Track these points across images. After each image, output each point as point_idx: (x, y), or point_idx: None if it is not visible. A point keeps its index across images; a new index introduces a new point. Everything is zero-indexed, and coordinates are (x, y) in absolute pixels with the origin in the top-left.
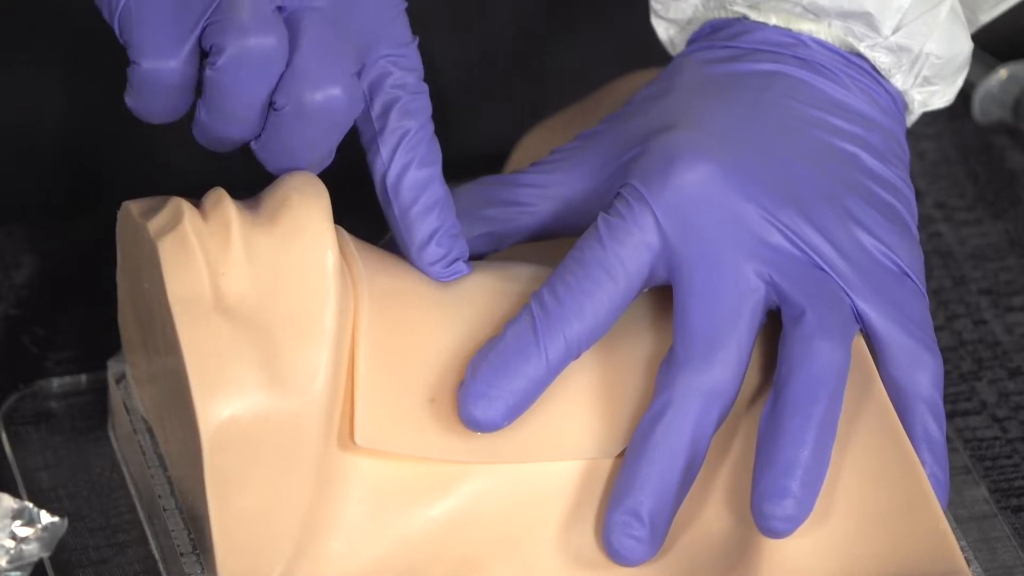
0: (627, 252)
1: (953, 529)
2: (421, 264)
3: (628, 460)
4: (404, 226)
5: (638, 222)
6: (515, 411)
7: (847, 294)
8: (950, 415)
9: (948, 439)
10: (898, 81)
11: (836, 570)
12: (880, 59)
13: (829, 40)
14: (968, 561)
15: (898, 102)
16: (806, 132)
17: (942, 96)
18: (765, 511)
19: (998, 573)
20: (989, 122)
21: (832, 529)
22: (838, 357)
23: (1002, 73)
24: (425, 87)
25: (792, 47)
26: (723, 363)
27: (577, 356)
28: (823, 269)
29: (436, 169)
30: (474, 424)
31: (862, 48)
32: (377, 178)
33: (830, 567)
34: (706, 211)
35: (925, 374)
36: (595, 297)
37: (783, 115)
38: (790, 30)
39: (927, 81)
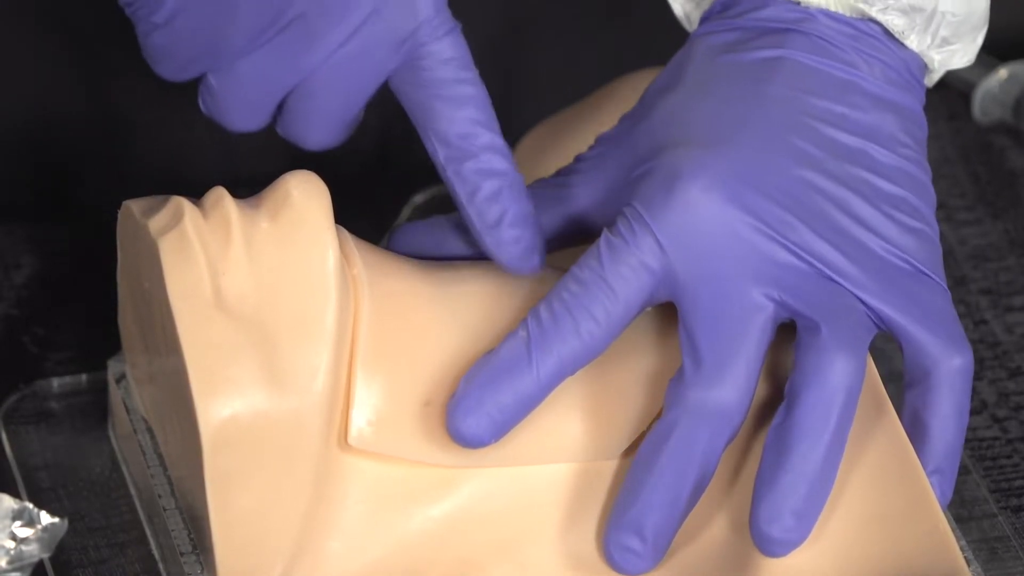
0: (626, 273)
1: (953, 529)
2: (494, 248)
3: (635, 473)
4: (473, 212)
5: (639, 244)
6: (503, 428)
7: (863, 301)
8: None
9: None
10: (913, 43)
11: (836, 571)
12: (893, 21)
13: (840, 10)
14: (968, 561)
15: (913, 68)
16: (811, 129)
17: (963, 55)
18: (764, 532)
19: (998, 573)
20: (989, 122)
21: (833, 530)
22: (852, 370)
23: (1002, 73)
24: (467, 73)
25: (800, 22)
26: (733, 382)
27: (571, 374)
28: (835, 280)
29: (493, 155)
30: (460, 438)
31: (874, 12)
32: (438, 167)
33: (831, 568)
34: (708, 233)
35: (951, 368)
36: (592, 317)
37: (787, 111)
38: (799, 3)
39: (945, 41)
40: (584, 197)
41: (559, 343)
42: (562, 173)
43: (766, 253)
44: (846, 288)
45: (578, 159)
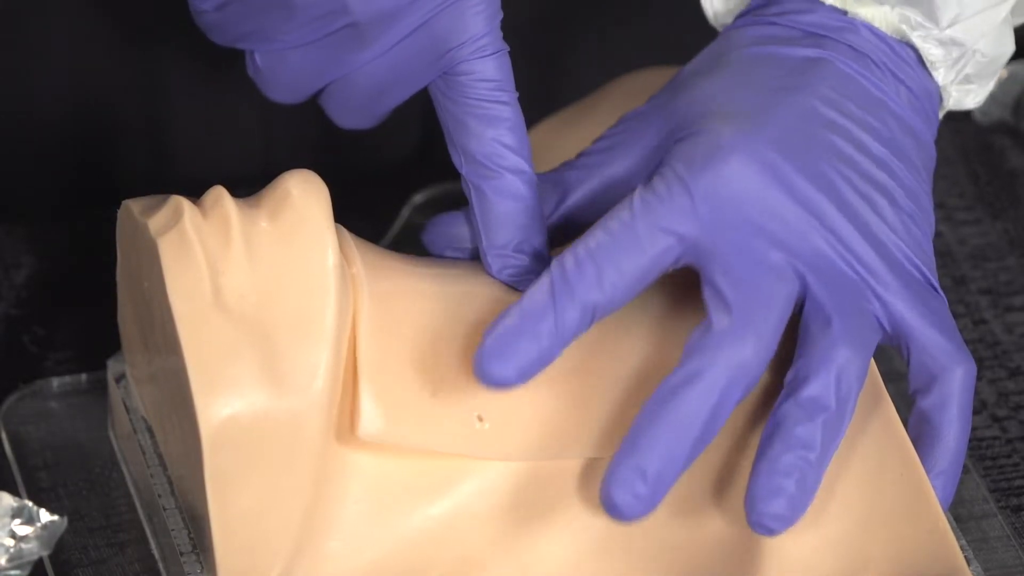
0: (657, 229)
1: (953, 529)
2: (494, 268)
3: (644, 416)
4: (483, 228)
5: (674, 203)
6: (529, 370)
7: (882, 299)
8: None
9: None
10: (940, 75)
11: (836, 570)
12: (930, 51)
13: (883, 28)
14: (968, 560)
15: (934, 100)
16: (847, 130)
17: (975, 96)
18: (758, 508)
19: (998, 573)
20: (989, 122)
21: (833, 528)
22: (857, 366)
23: (1002, 73)
24: (504, 95)
25: (841, 32)
26: (756, 340)
27: (592, 323)
28: (859, 273)
29: (515, 178)
30: (489, 380)
31: (914, 37)
32: (462, 179)
33: (831, 567)
34: (746, 204)
35: (960, 374)
36: (616, 266)
37: (827, 108)
38: (844, 13)
39: (967, 79)
40: (615, 167)
41: (582, 289)
42: (584, 155)
43: (799, 233)
44: (867, 284)
45: (601, 138)
